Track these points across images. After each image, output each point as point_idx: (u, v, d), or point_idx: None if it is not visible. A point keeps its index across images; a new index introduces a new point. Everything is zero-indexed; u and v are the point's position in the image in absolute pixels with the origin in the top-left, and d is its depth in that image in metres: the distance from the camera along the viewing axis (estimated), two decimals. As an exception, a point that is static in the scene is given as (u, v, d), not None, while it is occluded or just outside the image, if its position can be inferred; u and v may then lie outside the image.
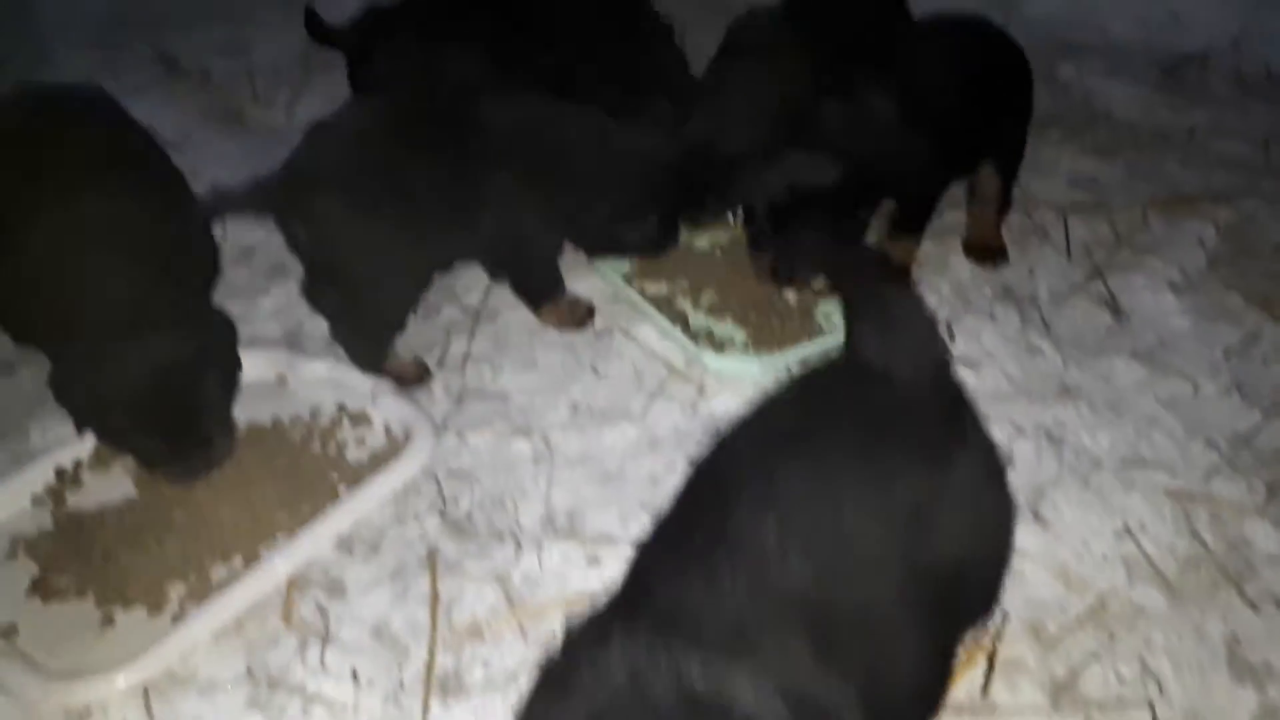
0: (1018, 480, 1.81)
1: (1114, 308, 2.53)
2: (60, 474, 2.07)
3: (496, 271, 2.48)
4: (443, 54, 2.63)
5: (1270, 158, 3.11)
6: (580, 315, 2.49)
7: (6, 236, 1.87)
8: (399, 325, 2.26)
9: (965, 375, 2.29)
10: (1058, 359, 2.39)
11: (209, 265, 2.20)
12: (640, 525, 1.76)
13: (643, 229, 2.37)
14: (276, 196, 2.13)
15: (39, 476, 2.05)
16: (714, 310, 2.51)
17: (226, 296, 2.58)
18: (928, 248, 2.63)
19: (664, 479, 2.07)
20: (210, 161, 3.15)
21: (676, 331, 2.40)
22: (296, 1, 2.99)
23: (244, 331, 2.46)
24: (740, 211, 2.55)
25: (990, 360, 2.38)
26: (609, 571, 1.87)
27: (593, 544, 1.96)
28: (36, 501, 2.03)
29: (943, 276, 2.63)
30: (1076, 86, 3.40)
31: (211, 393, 1.97)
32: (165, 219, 1.98)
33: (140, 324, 1.86)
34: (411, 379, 2.28)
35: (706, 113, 2.48)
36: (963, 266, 2.67)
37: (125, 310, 1.86)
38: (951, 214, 2.70)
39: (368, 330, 2.24)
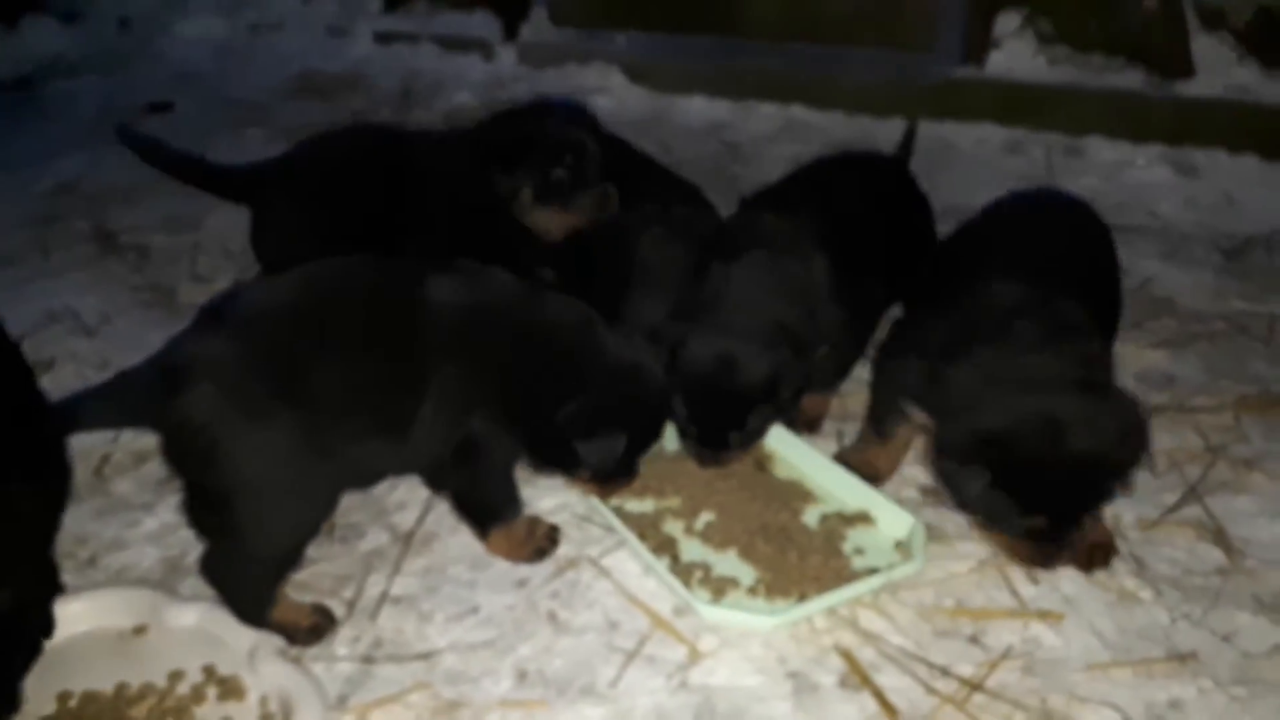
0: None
1: (1222, 540, 1.98)
2: None
3: (438, 484, 1.96)
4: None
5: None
6: (539, 542, 1.95)
7: None
8: (292, 563, 1.72)
9: (1043, 634, 1.76)
10: (1160, 611, 1.83)
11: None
12: None
13: (607, 446, 1.80)
14: (142, 400, 1.64)
15: None
16: (712, 538, 1.96)
17: (102, 513, 2.12)
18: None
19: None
20: (126, 348, 2.72)
21: (662, 568, 1.84)
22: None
23: (114, 560, 2.02)
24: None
25: (1074, 612, 1.81)
26: None
27: None
28: None
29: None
30: (1133, 272, 2.97)
31: None
32: None
33: None
34: (305, 634, 1.72)
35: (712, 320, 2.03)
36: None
37: None
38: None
39: (250, 569, 1.69)
